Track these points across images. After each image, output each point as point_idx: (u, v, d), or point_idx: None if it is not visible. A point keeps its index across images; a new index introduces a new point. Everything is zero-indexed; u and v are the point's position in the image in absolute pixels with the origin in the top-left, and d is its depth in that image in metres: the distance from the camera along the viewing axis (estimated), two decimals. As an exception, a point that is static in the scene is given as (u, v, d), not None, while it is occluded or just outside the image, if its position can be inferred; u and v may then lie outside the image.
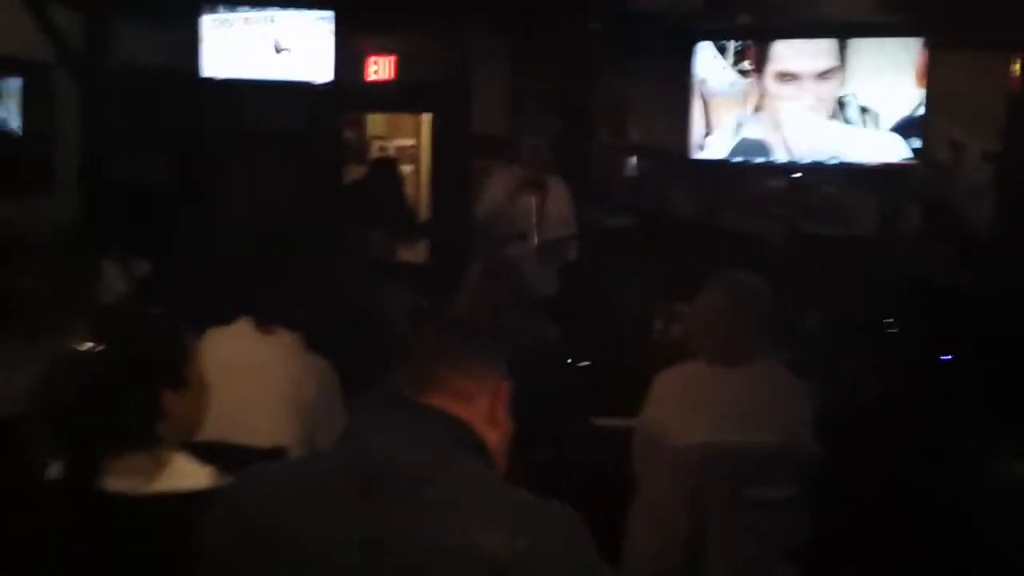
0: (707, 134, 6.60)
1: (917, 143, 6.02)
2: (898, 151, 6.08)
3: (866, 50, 6.10)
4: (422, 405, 1.32)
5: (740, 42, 6.42)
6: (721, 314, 2.54)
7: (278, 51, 6.01)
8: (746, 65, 6.43)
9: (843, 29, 6.16)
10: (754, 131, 6.47)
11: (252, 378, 2.41)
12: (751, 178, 6.69)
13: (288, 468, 1.43)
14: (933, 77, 5.89)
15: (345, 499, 1.22)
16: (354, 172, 7.35)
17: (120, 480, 1.51)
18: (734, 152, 6.51)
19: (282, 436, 2.32)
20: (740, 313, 2.52)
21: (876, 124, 6.13)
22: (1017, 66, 5.85)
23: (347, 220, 5.84)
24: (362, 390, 1.39)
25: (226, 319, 2.54)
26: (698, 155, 6.60)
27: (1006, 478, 2.19)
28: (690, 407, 2.50)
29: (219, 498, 1.34)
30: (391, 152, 8.43)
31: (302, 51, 6.01)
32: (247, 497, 1.29)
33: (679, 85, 6.53)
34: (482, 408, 1.37)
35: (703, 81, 6.54)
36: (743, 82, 6.43)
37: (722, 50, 6.49)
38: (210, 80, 6.06)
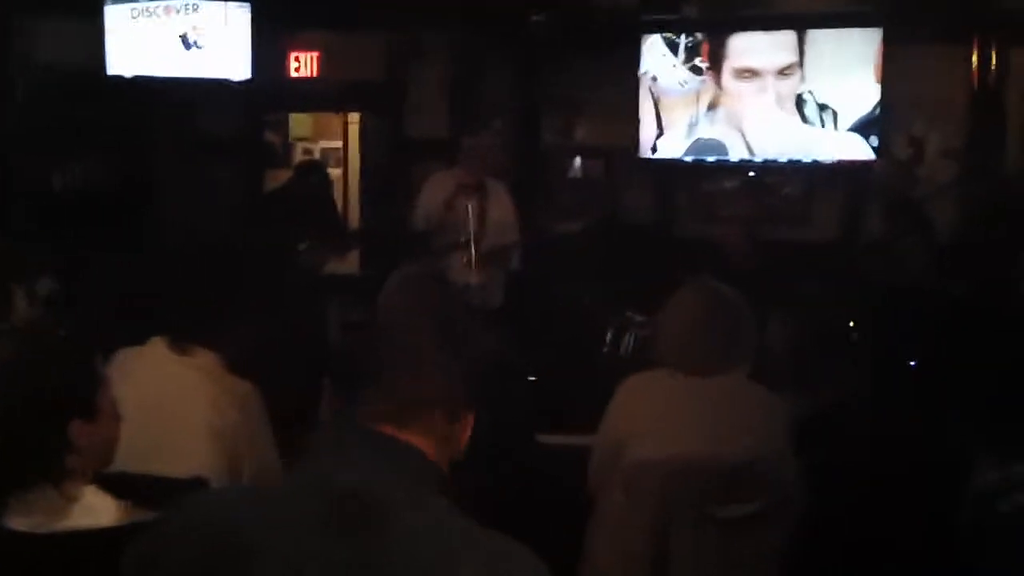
0: (659, 135, 6.67)
1: (877, 140, 6.17)
2: (858, 149, 6.22)
3: (824, 44, 6.23)
4: (386, 438, 1.34)
5: (691, 38, 6.50)
6: (699, 322, 2.55)
7: (187, 46, 5.91)
8: (699, 62, 6.51)
9: (799, 21, 6.28)
10: (709, 131, 6.56)
11: (168, 403, 2.36)
12: (706, 179, 6.78)
13: (252, 495, 1.44)
14: (890, 70, 6.03)
15: (315, 529, 1.24)
16: (276, 177, 7.29)
17: (26, 518, 1.47)
18: (689, 152, 6.59)
19: (202, 466, 2.27)
20: (719, 322, 2.54)
21: (835, 122, 6.26)
22: (975, 58, 6.02)
23: (270, 229, 5.78)
24: (293, 413, 1.38)
25: (139, 339, 2.49)
26: (650, 155, 6.67)
27: (986, 488, 2.24)
28: (656, 418, 2.50)
29: (176, 525, 1.32)
30: (316, 155, 8.38)
31: (217, 46, 5.94)
32: (212, 524, 1.29)
33: (627, 82, 6.59)
34: (447, 439, 1.39)
35: (654, 79, 6.61)
36: (696, 80, 6.52)
37: (672, 47, 6.56)
38: (119, 79, 5.96)
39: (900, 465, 2.62)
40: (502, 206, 5.22)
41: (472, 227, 4.96)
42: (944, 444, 2.65)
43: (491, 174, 5.24)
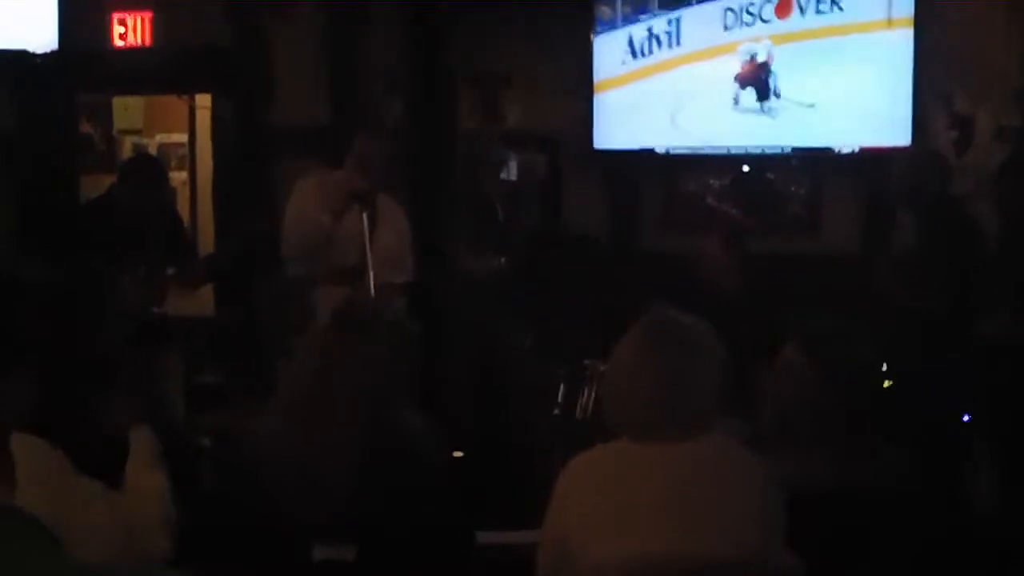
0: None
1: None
2: (890, 134, 6.30)
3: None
4: None
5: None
6: (650, 372, 2.55)
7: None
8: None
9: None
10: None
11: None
12: (686, 175, 6.83)
13: None
14: (920, 21, 6.13)
15: None
16: (96, 183, 7.19)
17: None
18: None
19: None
20: (679, 369, 2.54)
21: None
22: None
23: (87, 256, 5.68)
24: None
25: None
26: (606, 144, 6.71)
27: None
28: (616, 507, 2.50)
29: None
30: (152, 152, 8.28)
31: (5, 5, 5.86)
32: None
33: (576, 45, 6.64)
34: None
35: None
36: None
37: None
38: None
39: (953, 565, 2.62)
40: (395, 229, 5.18)
41: (365, 247, 4.91)
42: (1015, 532, 2.65)
43: (382, 184, 5.20)
